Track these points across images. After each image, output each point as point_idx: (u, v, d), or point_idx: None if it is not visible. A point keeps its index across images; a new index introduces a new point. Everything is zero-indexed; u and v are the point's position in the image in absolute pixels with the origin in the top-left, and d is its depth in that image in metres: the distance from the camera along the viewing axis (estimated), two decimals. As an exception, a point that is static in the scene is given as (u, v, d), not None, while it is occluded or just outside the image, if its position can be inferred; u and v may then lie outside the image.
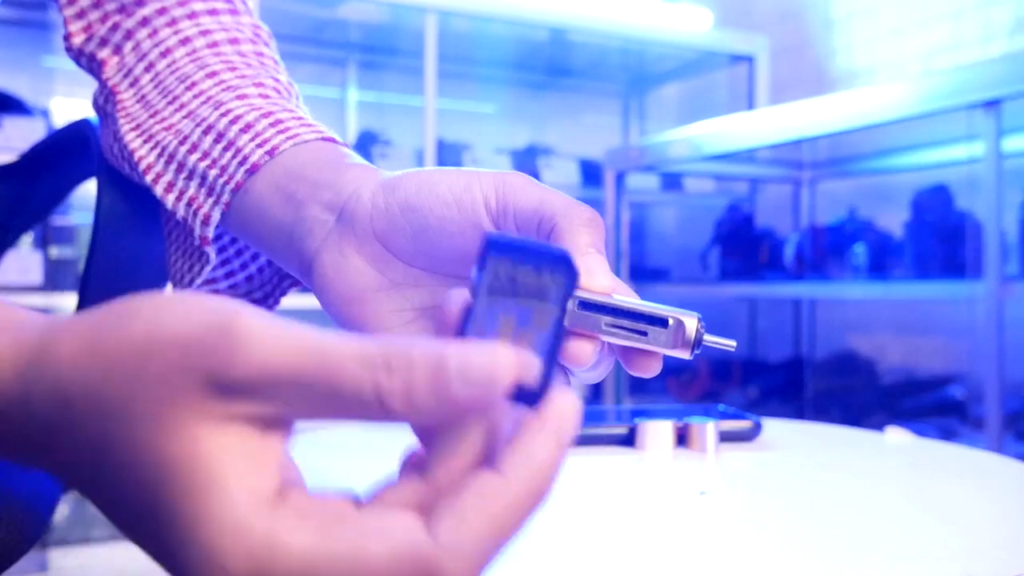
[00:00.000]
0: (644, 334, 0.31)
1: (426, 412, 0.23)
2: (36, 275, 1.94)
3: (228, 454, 0.24)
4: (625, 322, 0.31)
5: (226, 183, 0.41)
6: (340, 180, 0.38)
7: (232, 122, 0.42)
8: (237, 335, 0.23)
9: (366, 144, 2.51)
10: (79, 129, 0.55)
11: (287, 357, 0.23)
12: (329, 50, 2.76)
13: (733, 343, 0.33)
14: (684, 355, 0.32)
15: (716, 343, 0.33)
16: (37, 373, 0.25)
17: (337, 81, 2.81)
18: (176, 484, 0.23)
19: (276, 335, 0.24)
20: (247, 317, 0.24)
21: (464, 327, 0.28)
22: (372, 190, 0.36)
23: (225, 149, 0.42)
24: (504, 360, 0.23)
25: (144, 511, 0.24)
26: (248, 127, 0.42)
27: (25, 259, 1.92)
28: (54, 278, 1.95)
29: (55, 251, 1.97)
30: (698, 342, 0.32)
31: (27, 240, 1.90)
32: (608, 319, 0.31)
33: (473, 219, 0.34)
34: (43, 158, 0.58)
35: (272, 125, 0.42)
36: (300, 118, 0.42)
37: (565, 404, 0.25)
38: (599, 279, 0.31)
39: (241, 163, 0.41)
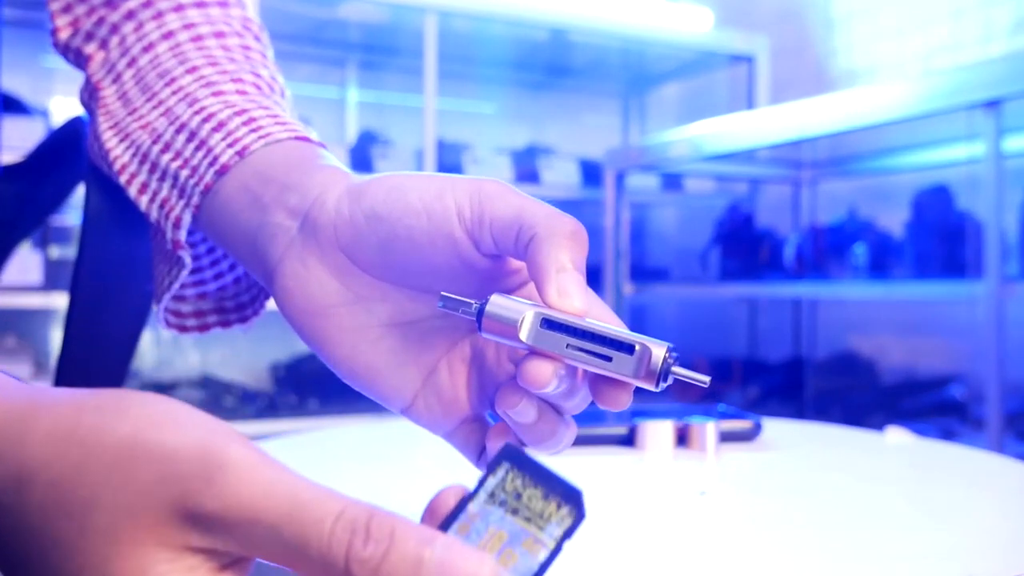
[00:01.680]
0: (608, 359, 0.29)
1: None
2: (36, 275, 1.94)
3: None
4: (590, 345, 0.29)
5: (196, 184, 0.40)
6: (307, 183, 0.36)
7: (205, 120, 0.41)
8: (222, 467, 0.23)
9: (366, 144, 2.51)
10: (74, 127, 0.55)
11: (267, 502, 0.23)
12: (329, 50, 2.75)
13: (706, 379, 0.30)
14: (649, 386, 0.29)
15: (687, 376, 0.30)
16: (5, 444, 0.24)
17: (337, 81, 2.81)
18: None
19: (261, 477, 0.23)
20: (236, 450, 0.23)
21: (451, 520, 0.25)
22: (337, 196, 0.34)
23: (197, 148, 0.40)
24: (488, 574, 0.22)
25: None
26: (220, 125, 0.40)
27: (25, 259, 1.92)
28: (54, 278, 1.95)
29: (55, 251, 1.97)
30: (665, 373, 0.29)
31: (27, 240, 1.90)
32: (572, 341, 0.29)
33: (445, 229, 0.31)
34: (45, 157, 0.57)
35: (245, 124, 0.40)
36: (275, 116, 0.41)
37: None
38: (572, 301, 0.29)
39: (211, 163, 0.39)
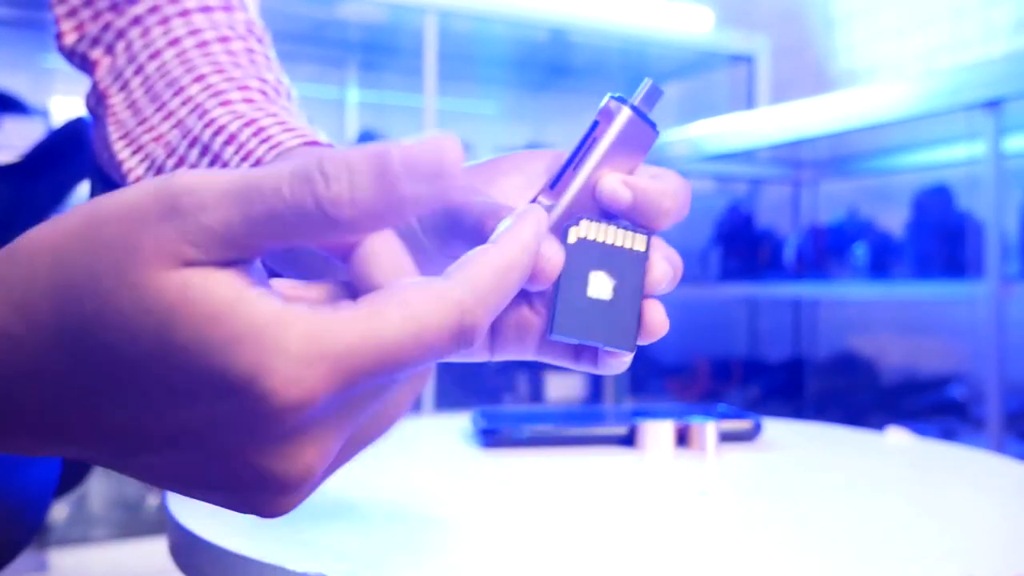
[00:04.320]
0: (594, 126, 0.34)
1: (376, 214, 0.23)
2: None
3: (223, 282, 0.23)
4: (584, 160, 0.33)
5: None
6: None
7: (216, 133, 0.41)
8: (179, 187, 0.23)
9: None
10: (76, 128, 0.55)
11: (227, 194, 0.23)
12: (329, 50, 2.75)
13: (656, 87, 0.34)
14: (647, 134, 0.34)
15: (644, 96, 0.34)
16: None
17: (337, 81, 2.81)
18: (185, 321, 0.22)
19: (212, 180, 0.23)
20: (183, 174, 0.24)
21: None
22: None
23: (212, 163, 0.41)
24: (451, 148, 0.24)
25: (158, 372, 0.23)
26: (232, 138, 0.41)
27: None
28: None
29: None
30: (634, 108, 0.34)
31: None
32: (571, 173, 0.33)
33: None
34: (43, 157, 0.57)
35: (255, 135, 0.41)
36: (283, 123, 0.42)
37: (536, 208, 0.29)
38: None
39: None
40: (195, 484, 0.25)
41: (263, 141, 0.40)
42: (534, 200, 0.33)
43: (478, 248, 0.27)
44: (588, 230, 0.32)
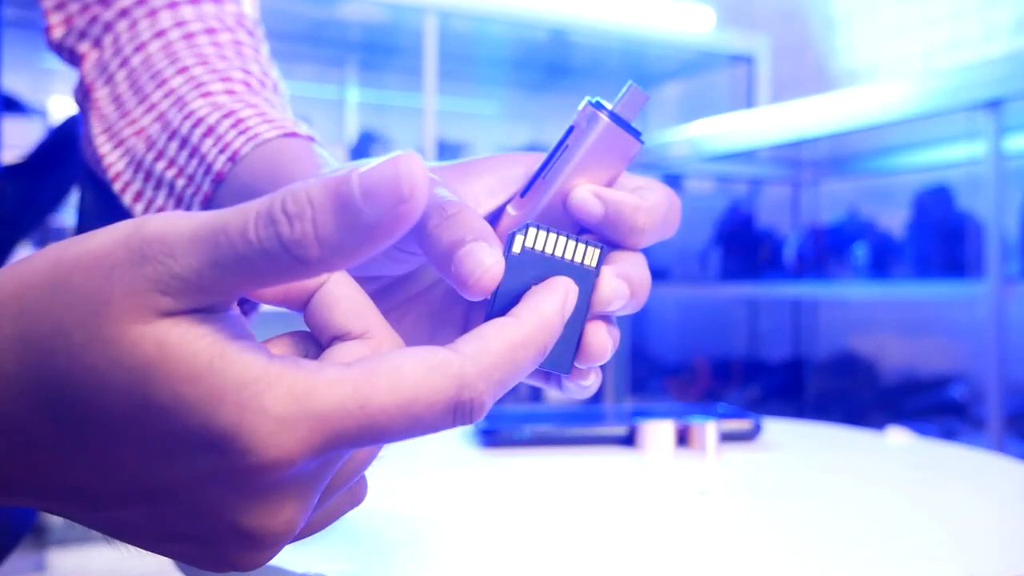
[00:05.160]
0: (568, 133, 0.31)
1: (345, 250, 0.22)
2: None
3: (202, 336, 0.22)
4: (554, 165, 0.31)
5: (194, 194, 0.40)
6: (300, 177, 0.36)
7: (195, 126, 0.41)
8: (148, 233, 0.22)
9: (366, 144, 2.51)
10: (72, 126, 0.55)
11: (196, 240, 0.22)
12: (329, 50, 2.75)
13: (639, 91, 0.31)
14: (628, 144, 0.31)
15: (625, 103, 0.31)
16: None
17: (337, 81, 2.81)
18: (163, 380, 0.21)
19: (181, 224, 0.22)
20: (152, 219, 0.23)
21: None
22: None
23: (191, 156, 0.40)
24: (411, 164, 0.22)
25: (134, 429, 0.22)
26: (210, 131, 0.40)
27: (25, 259, 1.91)
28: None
29: (55, 251, 1.97)
30: (613, 115, 0.30)
31: (27, 241, 1.90)
32: (541, 180, 0.31)
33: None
34: (45, 157, 0.57)
35: (234, 126, 0.40)
36: (263, 114, 0.41)
37: (564, 283, 0.28)
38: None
39: (206, 172, 0.40)
40: (167, 539, 0.25)
41: (241, 132, 0.40)
42: (502, 208, 0.31)
43: (496, 320, 0.26)
44: (535, 239, 0.28)
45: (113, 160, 0.43)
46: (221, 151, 0.40)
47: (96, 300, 0.22)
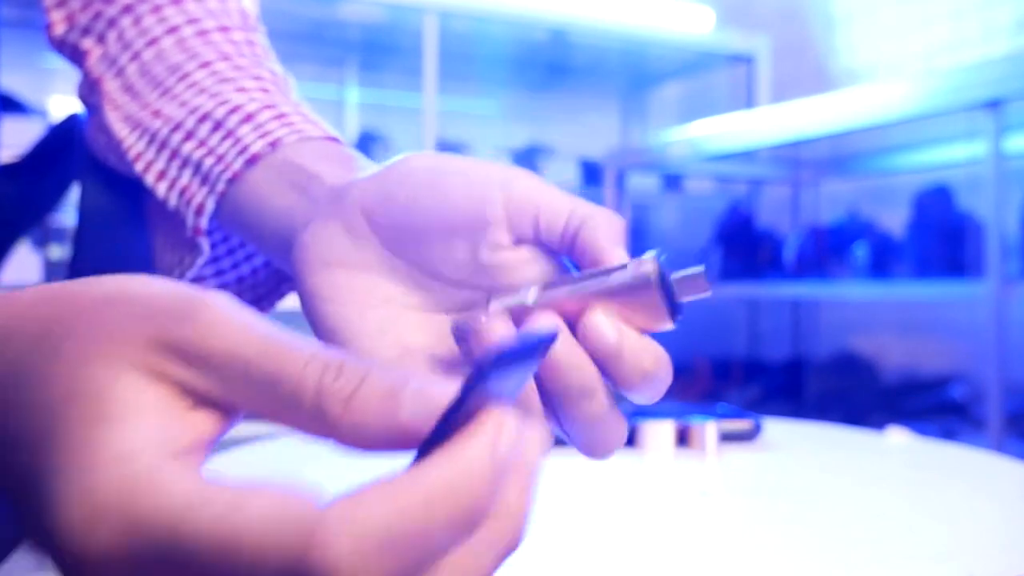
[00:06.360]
0: (607, 274, 0.30)
1: (366, 426, 0.21)
2: (35, 275, 1.94)
3: (145, 402, 0.22)
4: (589, 280, 0.30)
5: (222, 172, 0.40)
6: (347, 177, 0.36)
7: (232, 111, 0.41)
8: (202, 307, 0.23)
9: (366, 144, 2.50)
10: (72, 125, 0.55)
11: (244, 338, 0.22)
12: (329, 50, 2.75)
13: (700, 270, 0.30)
14: (654, 300, 0.29)
15: (684, 278, 0.30)
16: None
17: (337, 81, 2.81)
18: (79, 410, 0.22)
19: (239, 319, 0.23)
20: (216, 297, 0.23)
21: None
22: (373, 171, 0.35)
23: (224, 138, 0.40)
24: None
25: (31, 439, 0.22)
26: (249, 117, 0.41)
27: (24, 259, 1.92)
28: (53, 278, 1.95)
29: (55, 251, 1.97)
30: (663, 282, 0.29)
31: (26, 240, 1.90)
32: (575, 285, 0.30)
33: (481, 210, 0.32)
34: (43, 155, 0.57)
35: (276, 118, 0.41)
36: (303, 114, 0.42)
37: (503, 416, 0.22)
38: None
39: (240, 152, 0.40)
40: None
41: (285, 125, 0.40)
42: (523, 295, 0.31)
43: (411, 467, 0.21)
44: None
45: (132, 142, 0.43)
46: (261, 136, 0.40)
47: (108, 322, 0.22)
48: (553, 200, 0.32)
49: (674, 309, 0.30)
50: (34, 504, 0.22)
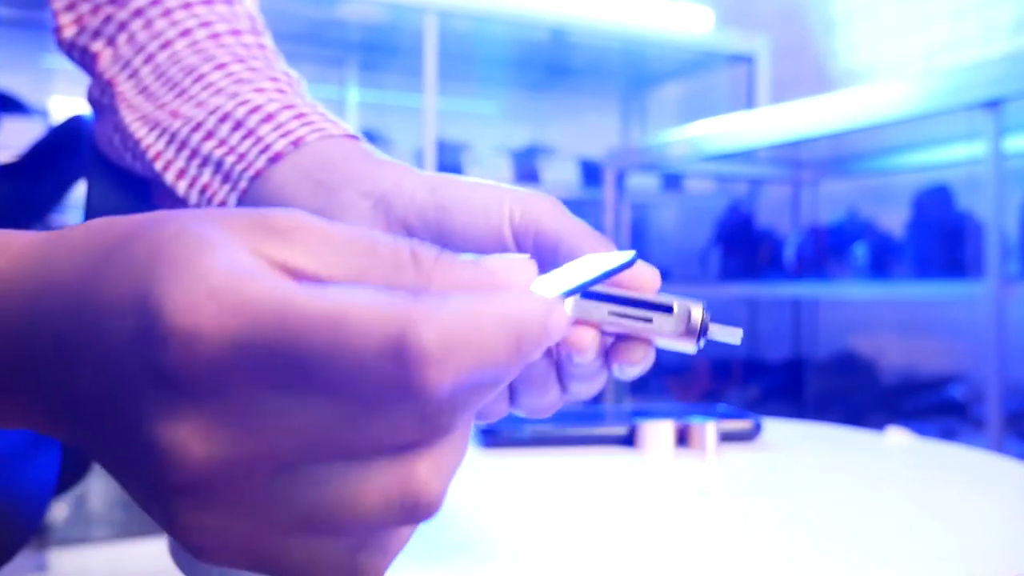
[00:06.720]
0: (648, 320, 0.31)
1: (455, 269, 0.24)
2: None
3: (247, 255, 0.22)
4: (630, 310, 0.31)
5: (244, 169, 0.41)
6: (377, 173, 0.38)
7: (252, 111, 0.42)
8: (301, 220, 0.24)
9: (366, 144, 2.50)
10: (73, 126, 0.55)
11: (333, 227, 0.24)
12: (329, 50, 2.75)
13: (739, 332, 0.32)
14: (689, 346, 0.31)
15: (722, 335, 0.32)
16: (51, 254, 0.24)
17: (337, 81, 2.81)
18: (180, 245, 0.22)
19: (336, 227, 0.24)
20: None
21: None
22: (414, 186, 0.37)
23: (245, 137, 0.41)
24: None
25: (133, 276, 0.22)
26: (270, 117, 0.41)
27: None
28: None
29: (55, 251, 1.97)
30: (704, 331, 0.31)
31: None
32: (613, 308, 0.31)
33: (497, 230, 0.35)
34: (42, 156, 0.57)
35: (296, 118, 0.41)
36: (323, 114, 0.42)
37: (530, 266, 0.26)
38: (642, 270, 0.33)
39: (263, 151, 0.41)
40: (111, 464, 0.24)
41: (306, 124, 0.41)
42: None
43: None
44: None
45: (151, 141, 0.43)
46: (283, 135, 0.41)
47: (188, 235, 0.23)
48: (547, 224, 0.35)
49: (701, 336, 0.31)
50: (142, 325, 0.22)
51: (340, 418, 0.21)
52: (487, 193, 0.36)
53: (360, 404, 0.21)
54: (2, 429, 0.25)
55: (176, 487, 0.22)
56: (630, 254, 0.29)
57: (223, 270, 0.21)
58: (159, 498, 0.23)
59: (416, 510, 0.23)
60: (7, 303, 0.24)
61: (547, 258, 0.34)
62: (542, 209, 0.35)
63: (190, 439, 0.21)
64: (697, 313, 0.30)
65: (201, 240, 0.22)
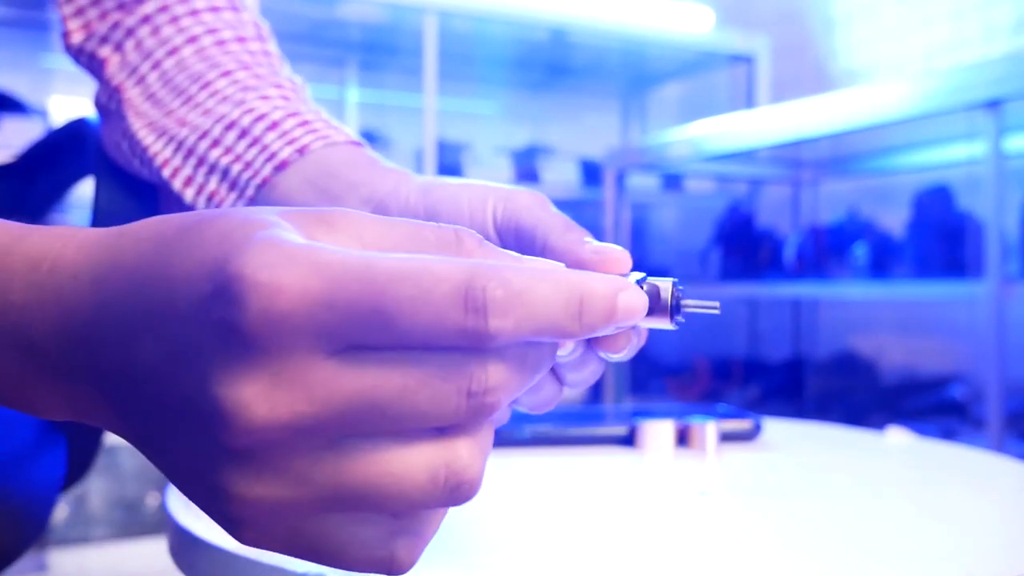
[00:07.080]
0: None
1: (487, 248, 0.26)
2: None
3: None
4: None
5: (251, 178, 0.41)
6: (377, 179, 0.39)
7: (257, 119, 0.42)
8: (336, 208, 0.25)
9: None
10: (76, 128, 0.55)
11: (377, 218, 0.25)
12: (329, 50, 2.75)
13: (716, 304, 0.32)
14: (666, 323, 0.31)
15: (698, 307, 0.31)
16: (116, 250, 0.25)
17: (337, 81, 2.81)
18: (241, 230, 0.23)
19: (382, 221, 0.25)
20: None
21: None
22: (409, 189, 0.38)
23: (251, 145, 0.42)
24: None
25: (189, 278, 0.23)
26: (275, 125, 0.42)
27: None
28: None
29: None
30: (676, 307, 0.31)
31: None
32: None
33: (481, 227, 0.36)
34: (41, 157, 0.57)
35: (301, 125, 0.42)
36: (326, 121, 0.43)
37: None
38: (610, 251, 0.33)
39: (269, 159, 0.41)
40: (155, 443, 0.24)
41: (310, 132, 0.42)
42: None
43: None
44: None
45: (158, 148, 0.44)
46: (288, 143, 0.41)
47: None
48: (525, 218, 0.36)
49: (675, 313, 0.31)
50: (213, 301, 0.22)
51: (404, 381, 0.22)
52: (472, 192, 0.37)
53: (430, 363, 0.22)
54: (43, 418, 0.26)
55: (233, 451, 0.22)
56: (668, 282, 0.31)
57: (298, 243, 0.22)
58: (213, 466, 0.23)
59: (459, 488, 0.24)
60: (75, 286, 0.25)
61: (529, 253, 0.34)
62: (522, 204, 0.36)
63: (254, 400, 0.22)
64: (666, 290, 0.30)
65: (269, 222, 0.23)
